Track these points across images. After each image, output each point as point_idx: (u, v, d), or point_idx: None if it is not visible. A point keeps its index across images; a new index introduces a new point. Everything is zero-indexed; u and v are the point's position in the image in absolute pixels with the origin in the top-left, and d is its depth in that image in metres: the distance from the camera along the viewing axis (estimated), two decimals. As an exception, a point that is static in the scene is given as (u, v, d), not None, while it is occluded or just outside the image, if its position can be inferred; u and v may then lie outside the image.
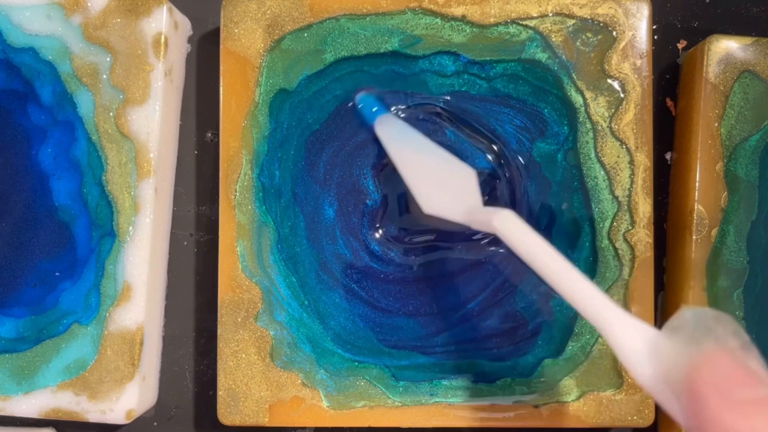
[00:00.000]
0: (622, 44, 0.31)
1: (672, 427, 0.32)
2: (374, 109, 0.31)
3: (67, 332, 0.32)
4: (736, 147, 0.31)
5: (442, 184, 0.29)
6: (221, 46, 0.32)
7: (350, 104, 0.32)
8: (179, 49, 0.34)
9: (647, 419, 0.31)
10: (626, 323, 0.22)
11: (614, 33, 0.31)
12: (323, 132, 0.32)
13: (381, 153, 0.32)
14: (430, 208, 0.28)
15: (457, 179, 0.29)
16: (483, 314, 0.32)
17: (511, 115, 0.32)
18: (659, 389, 0.21)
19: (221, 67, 0.32)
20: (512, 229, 0.25)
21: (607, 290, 0.31)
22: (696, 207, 0.31)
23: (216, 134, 0.35)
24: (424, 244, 0.32)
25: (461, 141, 0.32)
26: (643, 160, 0.31)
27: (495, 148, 0.32)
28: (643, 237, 0.31)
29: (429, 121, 0.32)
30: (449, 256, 0.32)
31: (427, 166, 0.29)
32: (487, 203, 0.32)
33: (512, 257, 0.32)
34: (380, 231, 0.32)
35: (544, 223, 0.32)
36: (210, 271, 0.35)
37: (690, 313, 0.21)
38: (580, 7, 0.31)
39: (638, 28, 0.31)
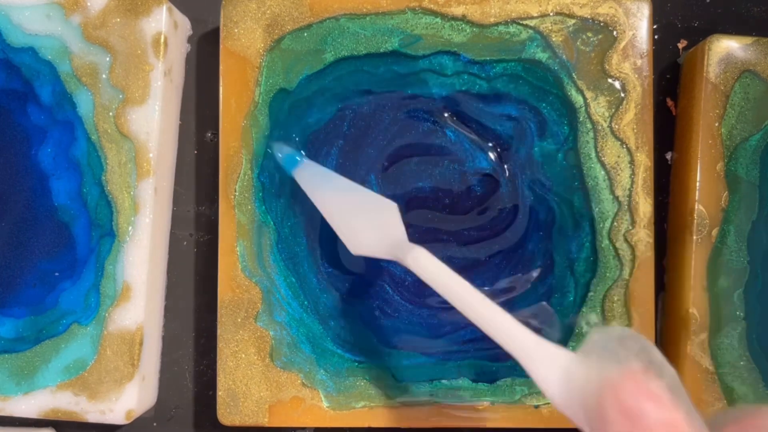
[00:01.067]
0: (623, 44, 0.31)
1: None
2: (294, 158, 0.31)
3: (66, 332, 0.32)
4: (736, 147, 0.31)
5: (366, 223, 0.29)
6: (221, 46, 0.32)
7: (269, 151, 0.32)
8: (179, 49, 0.34)
9: (647, 419, 0.31)
10: (541, 350, 0.22)
11: (614, 33, 0.31)
12: (323, 132, 0.32)
13: (382, 153, 0.32)
14: (357, 248, 0.28)
15: (380, 216, 0.29)
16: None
17: (511, 115, 0.32)
18: (574, 414, 0.21)
19: (221, 67, 0.32)
20: (425, 265, 0.25)
21: (607, 290, 0.31)
22: (696, 207, 0.31)
23: (216, 134, 0.35)
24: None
25: (461, 141, 0.32)
26: (644, 159, 0.31)
27: (495, 147, 0.32)
28: (644, 237, 0.31)
29: (429, 120, 0.32)
30: (450, 256, 0.32)
31: (350, 206, 0.29)
32: (487, 203, 0.32)
33: (513, 257, 0.32)
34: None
35: (544, 223, 0.32)
36: (210, 271, 0.35)
37: (598, 335, 0.22)
38: (581, 7, 0.31)
39: (639, 27, 0.31)
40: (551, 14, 0.31)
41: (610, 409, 0.20)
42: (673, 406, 0.19)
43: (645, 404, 0.19)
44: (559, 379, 0.22)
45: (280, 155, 0.32)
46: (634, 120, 0.31)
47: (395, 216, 0.28)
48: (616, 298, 0.31)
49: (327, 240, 0.32)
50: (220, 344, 0.32)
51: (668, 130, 0.34)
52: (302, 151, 0.32)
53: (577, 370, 0.21)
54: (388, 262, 0.32)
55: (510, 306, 0.32)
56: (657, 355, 0.20)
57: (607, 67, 0.31)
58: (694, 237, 0.31)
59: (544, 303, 0.32)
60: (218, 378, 0.32)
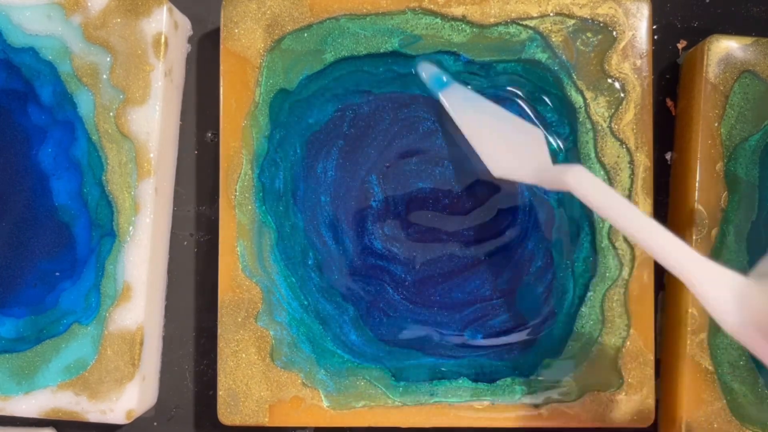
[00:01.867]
0: (622, 44, 0.31)
1: (672, 427, 0.32)
2: (441, 79, 0.31)
3: (67, 332, 0.32)
4: (736, 147, 0.31)
5: (510, 146, 0.29)
6: (221, 46, 0.32)
7: (412, 71, 0.32)
8: (179, 49, 0.34)
9: (647, 419, 0.31)
10: (711, 272, 0.21)
11: (614, 33, 0.31)
12: (323, 132, 0.32)
13: (382, 153, 0.32)
14: (499, 170, 0.28)
15: (525, 140, 0.29)
16: (483, 314, 0.32)
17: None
18: (749, 335, 0.20)
19: (221, 67, 0.32)
20: (586, 184, 0.25)
21: (607, 290, 0.31)
22: (696, 207, 0.31)
23: (216, 134, 0.35)
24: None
25: (461, 140, 0.32)
26: (643, 160, 0.31)
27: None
28: (643, 237, 0.31)
29: (429, 120, 0.32)
30: (450, 255, 0.32)
31: (495, 130, 0.29)
32: (487, 203, 0.32)
33: (512, 257, 0.32)
34: (382, 230, 0.32)
35: (544, 222, 0.32)
36: (210, 271, 0.35)
37: None
38: (580, 7, 0.31)
39: (638, 28, 0.31)
40: (551, 14, 0.31)
41: None
42: None
43: None
44: (732, 301, 0.21)
45: (424, 75, 0.31)
46: (634, 120, 0.31)
47: (541, 142, 0.28)
48: (615, 298, 0.31)
49: (327, 240, 0.32)
50: (220, 344, 0.32)
51: (668, 130, 0.34)
52: (447, 73, 0.32)
53: (753, 293, 0.20)
54: (388, 262, 0.32)
55: (510, 306, 0.32)
56: None
57: (606, 67, 0.31)
58: (694, 237, 0.31)
59: None
60: (218, 378, 0.32)
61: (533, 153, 0.28)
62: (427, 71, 0.32)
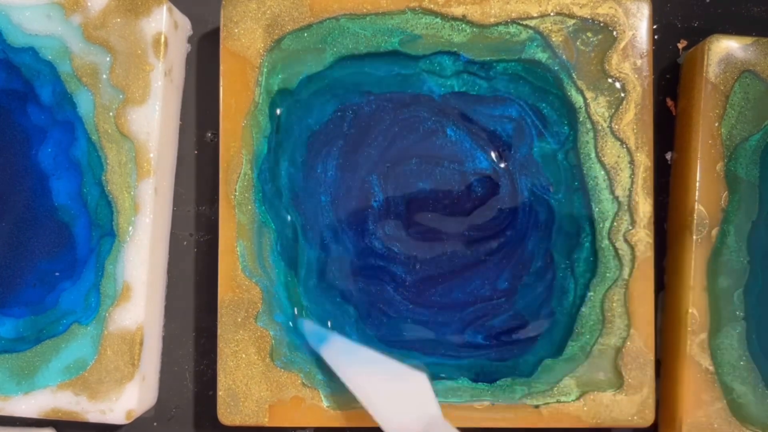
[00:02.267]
0: (623, 44, 0.31)
1: (672, 427, 0.32)
2: (321, 335, 0.31)
3: (66, 332, 0.32)
4: (736, 147, 0.31)
5: (397, 399, 0.28)
6: (221, 46, 0.32)
7: (293, 324, 0.32)
8: (179, 49, 0.34)
9: (647, 419, 0.31)
10: None
11: (614, 33, 0.31)
12: (323, 132, 0.32)
13: (383, 154, 0.32)
14: (391, 430, 0.28)
15: (411, 390, 0.28)
16: (483, 314, 0.32)
17: (511, 115, 0.32)
18: None
19: (221, 67, 0.32)
20: None
21: (607, 290, 0.31)
22: (696, 207, 0.31)
23: (216, 134, 0.35)
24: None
25: (461, 141, 0.32)
26: (644, 159, 0.31)
27: (495, 148, 0.32)
28: (644, 237, 0.31)
29: (429, 121, 0.32)
30: (450, 255, 0.32)
31: (380, 383, 0.29)
32: (487, 203, 0.32)
33: (512, 257, 0.32)
34: (382, 230, 0.32)
35: (544, 222, 0.32)
36: (210, 271, 0.35)
37: None
38: (581, 7, 0.31)
39: (638, 27, 0.31)
40: (551, 14, 0.31)
41: None
42: None
43: None
44: None
45: (306, 331, 0.31)
46: (634, 120, 0.31)
47: (426, 387, 0.28)
48: (616, 298, 0.31)
49: (327, 240, 0.32)
50: (220, 344, 0.32)
51: (668, 130, 0.34)
52: (329, 325, 0.32)
53: None
54: (388, 262, 0.32)
55: (510, 306, 0.32)
56: None
57: (607, 67, 0.31)
58: (694, 237, 0.31)
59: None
60: (218, 378, 0.32)
61: (422, 402, 0.28)
62: (307, 328, 0.31)
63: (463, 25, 0.32)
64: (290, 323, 0.32)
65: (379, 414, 0.28)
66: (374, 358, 0.30)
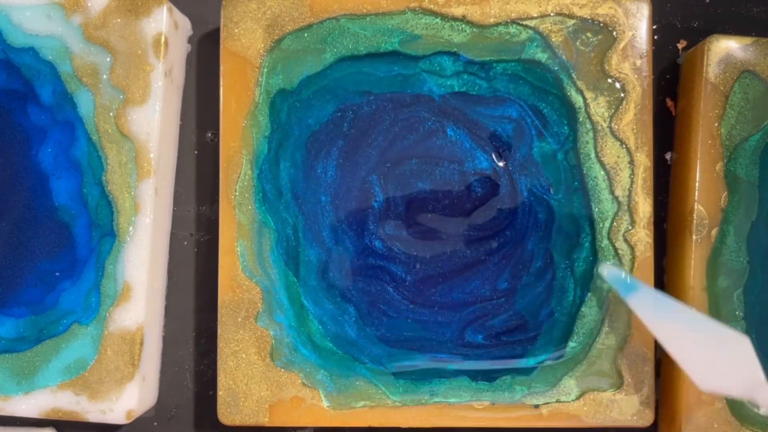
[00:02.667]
0: (622, 44, 0.31)
1: (672, 427, 0.32)
2: (627, 282, 0.30)
3: (67, 332, 0.32)
4: (736, 147, 0.31)
5: (715, 357, 0.27)
6: (221, 46, 0.32)
7: (597, 270, 0.31)
8: (179, 49, 0.34)
9: (647, 419, 0.31)
10: None
11: (614, 33, 0.31)
12: (323, 132, 0.32)
13: (383, 154, 0.32)
14: (707, 386, 0.27)
15: (730, 350, 0.27)
16: (483, 314, 0.32)
17: (511, 115, 0.32)
18: None
19: (221, 67, 0.32)
20: None
21: (607, 290, 0.31)
22: (696, 207, 0.31)
23: (216, 134, 0.35)
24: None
25: (461, 141, 0.32)
26: (643, 160, 0.31)
27: (495, 148, 0.32)
28: (643, 237, 0.31)
29: (429, 121, 0.32)
30: (450, 255, 0.32)
31: (696, 339, 0.28)
32: (487, 203, 0.32)
33: (512, 257, 0.32)
34: (383, 230, 0.32)
35: (544, 222, 0.32)
36: (210, 271, 0.35)
37: None
38: (580, 7, 0.31)
39: (638, 28, 0.31)
40: (551, 14, 0.31)
41: None
42: None
43: None
44: None
45: (608, 278, 0.31)
46: (634, 120, 0.31)
47: (748, 349, 0.27)
48: (616, 298, 0.31)
49: (327, 240, 0.33)
50: (220, 344, 0.32)
51: (668, 130, 0.34)
52: (631, 274, 0.31)
53: None
54: (389, 262, 0.32)
55: (510, 306, 0.32)
56: None
57: (606, 67, 0.31)
58: (694, 237, 0.31)
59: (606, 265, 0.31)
60: (218, 378, 0.32)
61: (742, 364, 0.27)
62: (610, 274, 0.31)
63: (463, 26, 0.32)
64: (291, 325, 0.32)
65: (693, 370, 0.27)
66: (690, 314, 0.28)
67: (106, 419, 0.31)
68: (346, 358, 0.32)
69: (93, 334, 0.32)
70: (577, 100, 0.32)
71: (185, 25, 0.34)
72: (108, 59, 0.32)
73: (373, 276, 0.32)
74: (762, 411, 0.26)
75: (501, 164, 0.32)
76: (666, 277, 0.34)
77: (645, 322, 0.29)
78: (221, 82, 0.32)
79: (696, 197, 0.31)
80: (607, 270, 0.31)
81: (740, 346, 0.27)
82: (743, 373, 0.27)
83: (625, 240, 0.31)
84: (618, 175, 0.31)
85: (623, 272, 0.31)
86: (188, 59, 0.35)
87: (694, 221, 0.31)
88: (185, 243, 0.35)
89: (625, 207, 0.31)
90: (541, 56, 0.32)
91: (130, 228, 0.32)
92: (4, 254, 0.32)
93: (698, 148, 0.31)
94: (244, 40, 0.32)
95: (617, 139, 0.31)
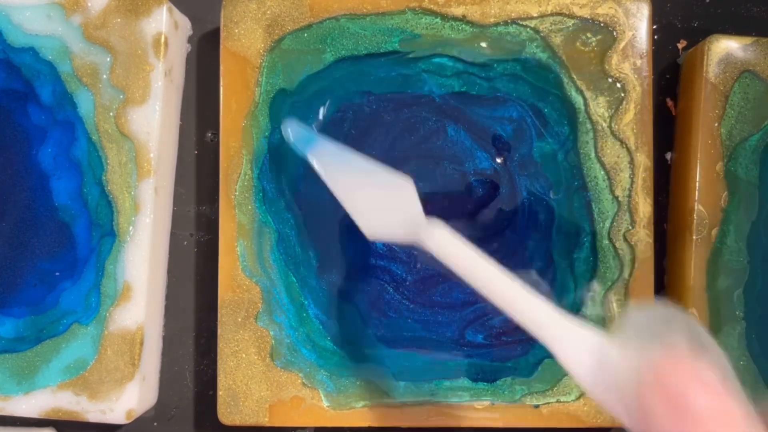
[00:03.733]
0: (622, 44, 0.31)
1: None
2: (308, 138, 0.29)
3: (67, 332, 0.32)
4: (736, 147, 0.31)
5: (381, 204, 0.27)
6: (221, 46, 0.32)
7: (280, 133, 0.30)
8: (179, 49, 0.34)
9: (647, 419, 0.31)
10: (569, 331, 0.21)
11: (614, 33, 0.31)
12: (323, 132, 0.32)
13: (383, 154, 0.32)
14: (373, 234, 0.27)
15: (395, 193, 0.27)
16: (484, 313, 0.32)
17: (511, 115, 0.32)
18: (610, 403, 0.19)
19: (221, 67, 0.32)
20: (444, 243, 0.24)
21: (607, 290, 0.31)
22: (696, 207, 0.31)
23: (216, 134, 0.35)
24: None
25: (461, 141, 0.32)
26: (643, 160, 0.31)
27: (495, 148, 0.32)
28: (643, 237, 0.31)
29: (429, 121, 0.32)
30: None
31: (365, 187, 0.27)
32: (487, 204, 0.32)
33: (512, 257, 0.32)
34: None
35: (544, 222, 0.32)
36: (210, 271, 0.35)
37: (636, 314, 0.20)
38: (580, 7, 0.31)
39: (638, 28, 0.31)
40: (551, 14, 0.31)
41: (653, 396, 0.17)
42: (725, 392, 0.17)
43: (693, 391, 0.17)
44: (591, 363, 0.20)
45: (290, 135, 0.29)
46: (634, 120, 0.31)
47: (411, 193, 0.26)
48: (615, 298, 0.31)
49: (327, 240, 0.32)
50: (220, 344, 0.32)
51: (668, 130, 0.34)
52: (314, 128, 0.30)
53: (612, 354, 0.19)
54: (389, 261, 0.32)
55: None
56: (707, 337, 0.18)
57: (606, 67, 0.31)
58: (694, 237, 0.31)
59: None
60: (218, 378, 0.32)
61: (404, 208, 0.26)
62: (293, 130, 0.29)
63: (463, 26, 0.32)
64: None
65: (359, 218, 0.27)
66: (361, 164, 0.28)
67: (106, 419, 0.31)
68: (346, 358, 0.32)
69: (93, 334, 0.32)
70: (577, 100, 0.32)
71: (185, 25, 0.34)
72: (108, 59, 0.32)
73: (373, 276, 0.32)
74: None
75: (501, 164, 0.32)
76: (666, 277, 0.34)
77: (321, 176, 0.28)
78: (221, 82, 0.32)
79: (696, 197, 0.31)
80: (290, 127, 0.29)
81: (404, 190, 0.26)
82: (406, 216, 0.26)
83: (626, 240, 0.31)
84: (618, 175, 0.31)
85: (304, 128, 0.30)
86: (188, 59, 0.35)
87: (695, 221, 0.31)
88: (185, 243, 0.35)
89: (625, 207, 0.31)
90: (541, 56, 0.32)
91: (130, 228, 0.32)
92: (5, 254, 0.32)
93: (698, 148, 0.31)
94: (244, 40, 0.32)
95: (617, 139, 0.31)
